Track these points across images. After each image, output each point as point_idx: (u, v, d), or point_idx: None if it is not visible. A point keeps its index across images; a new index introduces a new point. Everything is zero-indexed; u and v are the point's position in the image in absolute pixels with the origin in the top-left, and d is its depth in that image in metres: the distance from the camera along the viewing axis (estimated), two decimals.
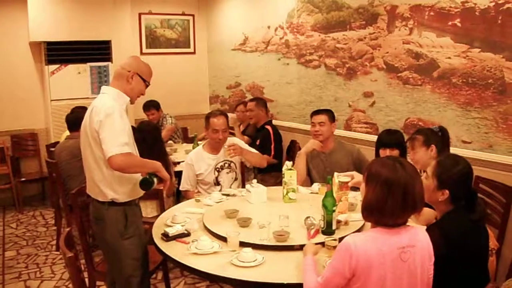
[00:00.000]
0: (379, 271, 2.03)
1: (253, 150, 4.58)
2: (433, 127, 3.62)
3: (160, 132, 5.00)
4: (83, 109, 5.06)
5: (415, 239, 2.13)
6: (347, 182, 3.29)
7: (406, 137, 3.96)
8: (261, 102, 6.07)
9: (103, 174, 2.98)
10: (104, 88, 3.13)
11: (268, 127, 5.85)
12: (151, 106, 6.79)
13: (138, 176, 3.05)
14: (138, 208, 3.25)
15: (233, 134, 5.94)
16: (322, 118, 4.35)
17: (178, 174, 4.71)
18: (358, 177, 3.31)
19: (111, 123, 2.86)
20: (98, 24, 7.10)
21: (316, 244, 2.68)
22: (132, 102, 3.17)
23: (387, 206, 2.08)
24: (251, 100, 6.19)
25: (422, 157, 3.39)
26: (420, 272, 2.13)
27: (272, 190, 3.86)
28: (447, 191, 2.53)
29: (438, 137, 3.48)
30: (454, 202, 2.56)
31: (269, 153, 5.63)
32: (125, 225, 3.05)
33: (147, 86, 3.22)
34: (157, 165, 3.07)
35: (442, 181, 2.55)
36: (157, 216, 4.40)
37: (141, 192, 3.15)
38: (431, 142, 3.43)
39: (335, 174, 3.34)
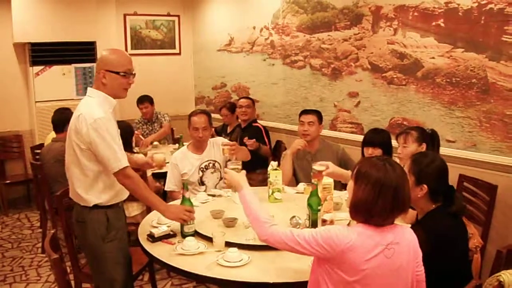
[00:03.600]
0: (361, 266, 2.04)
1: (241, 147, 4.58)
2: (425, 128, 3.66)
3: (131, 132, 4.91)
4: (68, 110, 5.03)
5: (400, 237, 2.13)
6: (321, 171, 3.30)
7: (392, 137, 4.00)
8: (252, 100, 6.07)
9: (86, 182, 2.93)
10: (89, 91, 2.97)
11: (258, 124, 5.86)
12: (146, 99, 6.81)
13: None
14: (121, 210, 3.18)
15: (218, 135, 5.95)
16: (312, 118, 4.37)
17: (164, 175, 4.70)
18: (333, 168, 3.34)
19: (102, 137, 2.79)
20: (83, 25, 7.07)
21: None
22: (122, 96, 2.99)
23: (377, 206, 2.08)
24: (243, 98, 6.13)
25: (412, 152, 3.41)
26: (404, 269, 2.14)
27: (258, 190, 3.86)
28: (425, 186, 2.60)
29: (429, 139, 3.53)
30: (432, 198, 2.61)
31: (265, 145, 5.67)
32: (107, 227, 2.98)
33: (125, 76, 2.93)
34: (158, 209, 3.04)
35: (419, 177, 2.61)
36: (140, 215, 4.42)
37: (125, 195, 3.11)
38: (423, 140, 3.50)
39: (312, 164, 3.37)
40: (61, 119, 5.08)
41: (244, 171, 2.78)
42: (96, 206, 2.96)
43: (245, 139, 5.36)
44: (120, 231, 3.08)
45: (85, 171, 2.90)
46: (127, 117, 6.47)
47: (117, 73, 2.91)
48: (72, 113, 3.05)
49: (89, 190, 2.93)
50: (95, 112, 2.82)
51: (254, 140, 5.37)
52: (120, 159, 2.83)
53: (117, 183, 2.98)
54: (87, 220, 2.98)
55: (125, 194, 3.12)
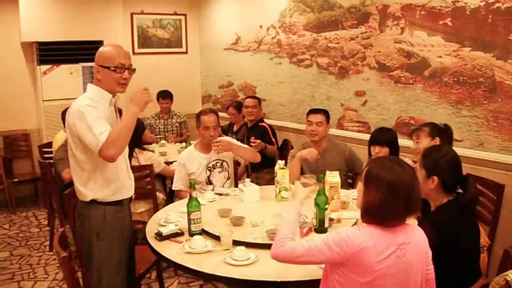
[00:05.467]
0: (374, 267, 2.04)
1: (245, 145, 4.59)
2: (439, 123, 3.67)
3: (142, 129, 4.93)
4: None
5: (411, 236, 2.13)
6: None
7: (399, 135, 4.00)
8: (259, 100, 6.07)
9: (83, 176, 2.92)
10: (88, 86, 2.97)
11: (264, 124, 5.86)
12: (168, 95, 7.09)
13: (122, 178, 3.02)
14: (125, 210, 3.13)
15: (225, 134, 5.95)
16: (320, 118, 4.36)
17: None
18: None
19: (84, 123, 2.73)
20: (90, 24, 7.11)
21: None
22: (118, 91, 2.94)
23: (391, 209, 2.07)
24: (249, 97, 6.13)
25: (426, 147, 3.41)
26: (415, 268, 2.14)
27: (265, 189, 3.88)
28: (435, 177, 2.62)
29: (443, 132, 3.55)
30: (445, 189, 2.62)
31: (272, 145, 5.67)
32: (103, 224, 2.95)
33: (116, 71, 2.86)
34: (134, 112, 2.82)
35: (429, 169, 2.63)
36: (146, 212, 4.43)
37: (128, 194, 3.09)
38: (436, 134, 3.52)
39: (327, 172, 3.36)
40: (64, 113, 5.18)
41: (312, 187, 2.70)
42: (94, 202, 2.94)
43: (252, 139, 5.36)
44: (117, 231, 3.03)
45: (81, 166, 2.90)
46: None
47: (108, 67, 2.86)
48: None
49: (87, 184, 2.92)
50: (80, 102, 2.82)
51: (259, 141, 5.37)
52: (97, 137, 2.70)
53: (116, 180, 2.98)
54: (85, 214, 2.98)
55: (128, 192, 3.10)
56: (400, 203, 2.07)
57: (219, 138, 4.37)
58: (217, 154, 4.29)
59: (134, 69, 2.97)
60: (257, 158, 4.44)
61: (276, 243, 2.29)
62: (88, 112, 2.74)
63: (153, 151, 5.30)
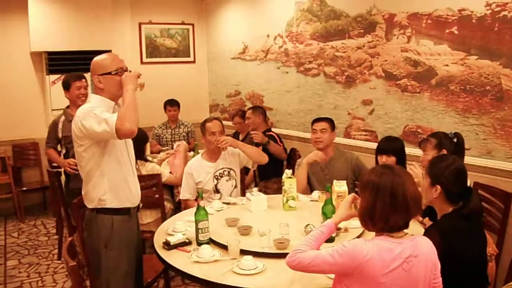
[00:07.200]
0: (379, 279, 2.04)
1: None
2: (448, 132, 3.62)
3: (145, 140, 4.92)
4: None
5: (419, 249, 2.13)
6: None
7: (406, 144, 4.00)
8: (259, 109, 6.06)
9: (92, 180, 2.96)
10: (90, 96, 3.04)
11: (272, 133, 5.86)
12: (175, 103, 7.07)
13: (130, 182, 3.05)
14: (133, 219, 3.15)
15: None
16: (324, 125, 4.39)
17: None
18: None
19: (91, 118, 2.78)
20: (98, 34, 7.18)
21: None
22: (122, 95, 2.95)
23: (376, 209, 2.10)
24: (248, 109, 6.21)
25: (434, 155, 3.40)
26: (422, 281, 2.13)
27: (272, 198, 3.88)
28: (438, 187, 2.61)
29: (452, 143, 3.49)
30: (449, 199, 2.61)
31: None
32: (111, 233, 2.98)
33: (118, 74, 2.94)
34: (130, 89, 2.87)
35: (433, 177, 2.63)
36: (153, 222, 4.44)
37: (133, 202, 3.11)
38: (443, 146, 3.45)
39: (334, 181, 3.36)
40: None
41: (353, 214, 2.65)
42: (102, 211, 2.98)
43: (251, 132, 5.40)
44: (125, 241, 3.06)
45: (91, 169, 2.94)
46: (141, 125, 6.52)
47: (109, 73, 2.94)
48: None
49: (94, 188, 2.96)
50: (85, 107, 2.90)
51: (260, 133, 5.40)
52: (108, 120, 2.74)
53: (122, 184, 3.01)
54: (93, 224, 3.01)
55: (135, 199, 3.12)
56: (384, 204, 2.09)
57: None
58: (224, 162, 4.31)
59: (130, 71, 3.02)
60: (264, 158, 4.43)
61: (291, 253, 2.31)
62: (94, 110, 2.82)
63: (162, 161, 5.33)
